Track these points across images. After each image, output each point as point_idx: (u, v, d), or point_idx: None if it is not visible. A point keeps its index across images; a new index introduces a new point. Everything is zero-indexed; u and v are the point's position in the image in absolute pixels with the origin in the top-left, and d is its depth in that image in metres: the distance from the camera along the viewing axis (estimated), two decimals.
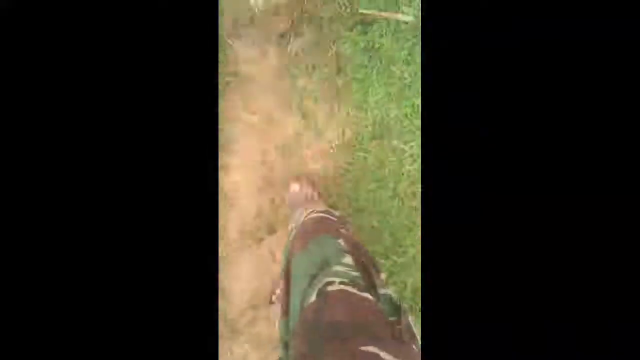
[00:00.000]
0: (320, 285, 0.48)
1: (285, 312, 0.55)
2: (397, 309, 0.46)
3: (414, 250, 1.00)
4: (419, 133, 1.01)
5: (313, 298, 0.47)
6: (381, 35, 1.01)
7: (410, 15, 0.99)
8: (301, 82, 1.05)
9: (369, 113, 1.03)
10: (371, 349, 0.39)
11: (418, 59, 1.00)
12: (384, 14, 1.00)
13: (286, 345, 0.53)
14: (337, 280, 0.48)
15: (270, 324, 1.04)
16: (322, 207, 0.82)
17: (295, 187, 1.04)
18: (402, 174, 1.02)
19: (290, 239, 0.66)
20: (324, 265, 0.53)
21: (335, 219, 0.67)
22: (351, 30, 1.05)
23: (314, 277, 0.51)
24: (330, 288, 0.48)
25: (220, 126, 1.05)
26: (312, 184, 1.04)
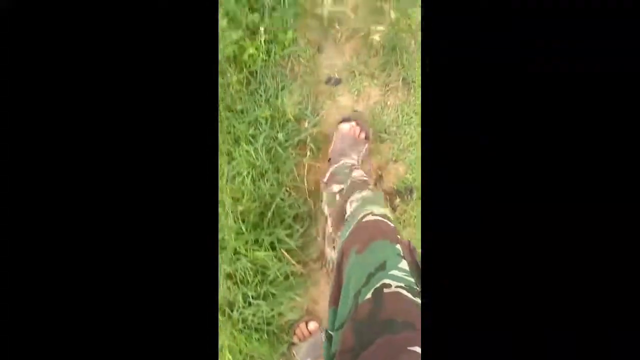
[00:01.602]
0: (377, 285, 0.50)
1: (335, 301, 0.57)
2: None
3: None
4: None
5: (369, 296, 0.49)
6: None
7: None
8: None
9: None
10: (418, 349, 0.41)
11: None
12: None
13: (329, 337, 0.55)
14: (394, 283, 0.50)
15: None
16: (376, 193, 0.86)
17: (344, 126, 1.00)
18: None
19: (347, 235, 0.66)
20: (381, 268, 0.53)
21: (393, 225, 0.67)
22: None
23: (371, 275, 0.52)
24: (386, 290, 0.49)
25: None
26: (363, 123, 1.01)
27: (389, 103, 1.08)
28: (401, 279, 0.51)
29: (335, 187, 0.91)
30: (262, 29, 0.98)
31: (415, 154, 1.09)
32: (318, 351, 1.01)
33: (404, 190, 1.09)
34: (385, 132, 1.08)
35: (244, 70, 0.99)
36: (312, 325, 1.05)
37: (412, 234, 1.08)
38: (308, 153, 1.07)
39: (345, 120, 1.04)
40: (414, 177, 1.09)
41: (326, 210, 0.96)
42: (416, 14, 1.02)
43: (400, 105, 1.08)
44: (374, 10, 1.06)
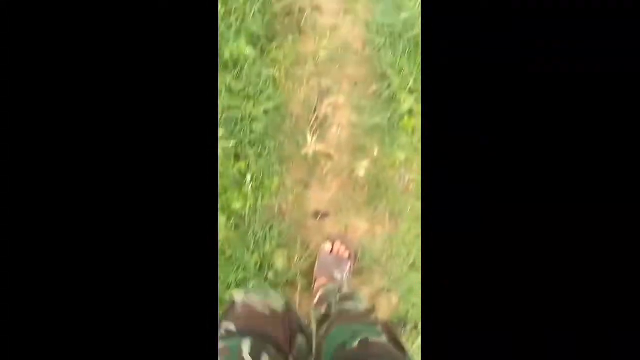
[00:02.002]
0: (361, 337, 0.54)
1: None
2: None
3: None
4: None
5: (355, 345, 0.53)
6: None
7: None
8: None
9: None
10: None
11: None
12: None
13: None
14: (378, 339, 0.55)
15: None
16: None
17: (327, 245, 1.02)
18: None
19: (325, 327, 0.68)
20: (363, 333, 0.57)
21: (372, 317, 0.70)
22: None
23: (356, 332, 0.56)
24: (371, 340, 0.54)
25: None
26: (346, 244, 1.03)
27: (377, 235, 1.09)
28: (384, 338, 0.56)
29: (324, 309, 0.92)
30: (248, 177, 1.01)
31: (407, 285, 1.08)
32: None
33: (398, 322, 1.08)
34: (376, 263, 1.08)
35: (232, 217, 1.01)
36: None
37: None
38: (299, 288, 1.07)
39: (329, 239, 1.06)
40: (407, 308, 1.08)
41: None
42: (399, 152, 1.05)
43: (388, 238, 1.08)
44: (358, 148, 1.09)
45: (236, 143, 1.00)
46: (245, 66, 0.98)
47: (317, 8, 1.14)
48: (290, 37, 1.09)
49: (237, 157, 1.03)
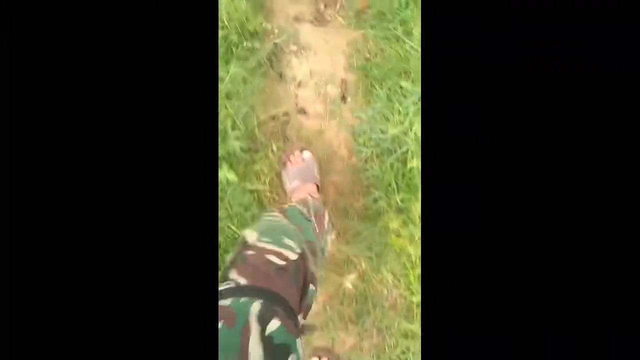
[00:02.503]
0: None
1: None
2: None
3: None
4: None
5: None
6: None
7: None
8: None
9: None
10: None
11: None
12: None
13: None
14: None
15: None
16: None
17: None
18: None
19: None
20: None
21: None
22: None
23: None
24: None
25: None
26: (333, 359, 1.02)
27: (364, 349, 1.07)
28: None
29: None
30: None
31: None
32: (308, 174, 1.01)
33: None
34: None
35: None
36: (307, 154, 1.04)
37: None
38: None
39: (316, 354, 1.03)
40: None
41: None
42: (385, 270, 1.03)
43: (376, 352, 1.06)
44: (346, 260, 1.06)
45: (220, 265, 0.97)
46: (229, 191, 0.95)
47: (301, 111, 1.11)
48: (274, 146, 1.07)
49: (222, 279, 1.00)
